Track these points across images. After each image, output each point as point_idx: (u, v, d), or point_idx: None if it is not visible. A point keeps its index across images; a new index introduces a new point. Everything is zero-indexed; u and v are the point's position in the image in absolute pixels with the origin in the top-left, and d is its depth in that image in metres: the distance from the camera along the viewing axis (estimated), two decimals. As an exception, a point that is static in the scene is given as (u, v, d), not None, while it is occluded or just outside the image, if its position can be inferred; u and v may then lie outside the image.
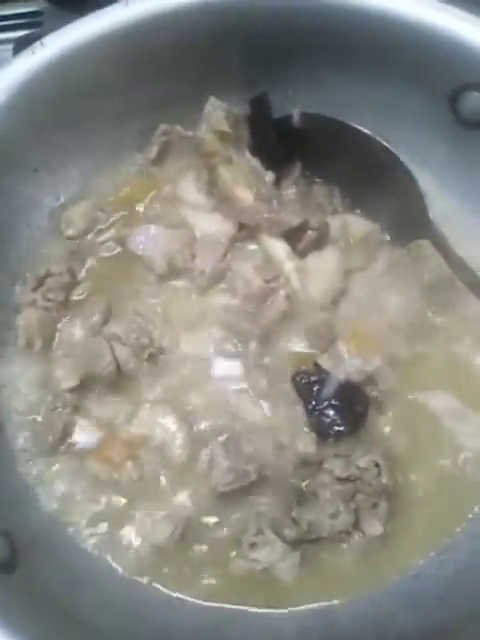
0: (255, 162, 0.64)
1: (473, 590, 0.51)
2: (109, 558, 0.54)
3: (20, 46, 0.84)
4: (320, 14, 0.62)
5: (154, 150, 0.68)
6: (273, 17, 0.62)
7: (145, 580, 0.53)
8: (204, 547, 0.54)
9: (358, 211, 0.66)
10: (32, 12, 0.94)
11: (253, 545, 0.52)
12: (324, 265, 0.62)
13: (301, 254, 0.63)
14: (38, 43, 0.59)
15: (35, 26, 0.93)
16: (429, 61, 0.61)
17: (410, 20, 0.60)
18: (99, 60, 0.61)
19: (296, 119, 0.64)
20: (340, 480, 0.53)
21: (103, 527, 0.55)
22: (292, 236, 0.63)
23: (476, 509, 0.56)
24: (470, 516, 0.56)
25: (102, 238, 0.66)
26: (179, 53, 0.63)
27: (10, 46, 0.87)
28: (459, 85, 0.61)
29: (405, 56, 0.62)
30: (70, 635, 0.45)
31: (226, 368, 0.60)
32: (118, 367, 0.59)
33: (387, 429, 0.58)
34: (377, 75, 0.64)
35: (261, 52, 0.64)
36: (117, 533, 0.55)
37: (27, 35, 0.88)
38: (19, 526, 0.51)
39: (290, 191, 0.66)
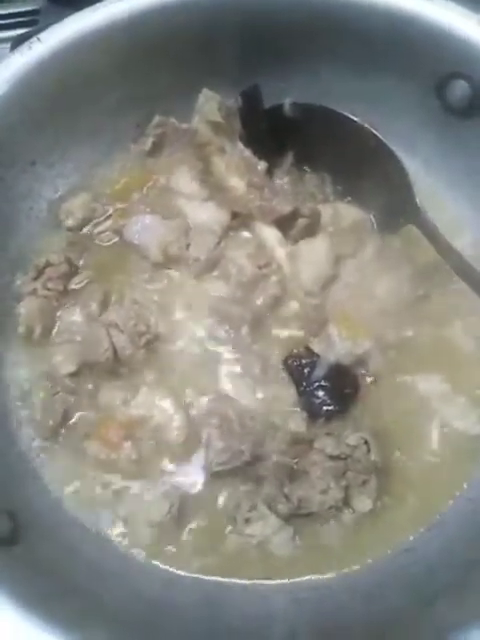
0: (248, 152, 0.66)
1: (456, 563, 0.53)
2: (108, 534, 0.56)
3: (18, 44, 0.86)
4: (310, 7, 0.63)
5: (149, 142, 0.70)
6: (264, 10, 0.64)
7: (143, 555, 0.55)
8: (200, 523, 0.56)
9: (348, 199, 0.68)
10: (29, 11, 0.96)
11: (247, 520, 0.54)
12: (315, 251, 0.64)
13: (293, 241, 0.65)
14: (35, 38, 0.61)
15: (32, 24, 0.94)
16: (416, 51, 0.63)
17: (398, 11, 0.62)
18: (95, 54, 0.63)
19: (287, 109, 0.66)
20: (331, 458, 0.55)
21: (102, 505, 0.56)
22: (284, 224, 0.65)
23: (464, 486, 0.58)
24: (457, 493, 0.57)
25: (100, 229, 0.68)
26: (173, 46, 0.65)
27: (8, 45, 0.89)
28: (446, 74, 0.62)
29: (393, 46, 0.63)
30: (71, 604, 0.47)
31: (220, 353, 0.62)
32: (115, 353, 0.60)
33: (377, 410, 0.59)
34: (366, 65, 0.66)
35: (253, 45, 0.66)
36: (115, 511, 0.56)
37: (25, 33, 0.90)
38: (22, 504, 0.53)
39: (282, 180, 0.67)
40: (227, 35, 0.65)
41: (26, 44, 0.61)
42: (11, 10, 0.96)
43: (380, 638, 0.49)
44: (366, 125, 0.63)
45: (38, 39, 0.61)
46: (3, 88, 0.60)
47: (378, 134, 0.63)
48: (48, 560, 0.50)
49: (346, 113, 0.64)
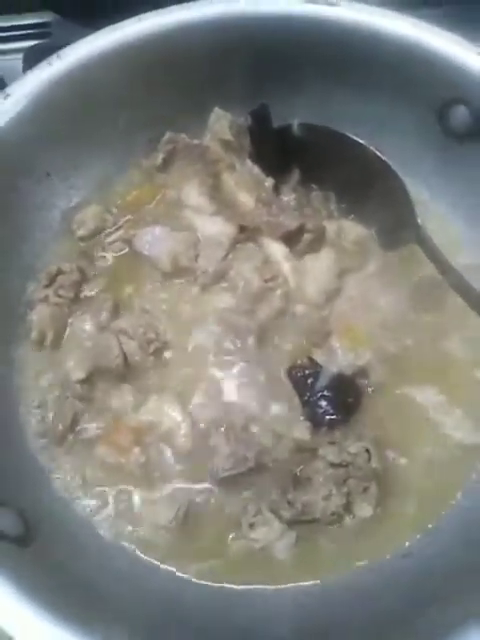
0: (256, 169, 0.68)
1: (452, 568, 0.55)
2: (115, 537, 0.57)
3: (31, 56, 0.89)
4: (319, 32, 0.66)
5: (160, 157, 0.72)
6: (274, 34, 0.67)
7: (149, 558, 0.57)
8: (205, 528, 0.57)
9: (352, 216, 0.70)
10: (41, 23, 0.99)
11: (252, 525, 0.56)
12: (320, 266, 0.66)
13: (298, 255, 0.67)
14: (55, 56, 0.63)
15: (43, 37, 0.97)
16: (419, 78, 0.65)
17: (402, 40, 0.64)
18: (111, 72, 0.65)
19: (295, 129, 0.68)
20: (333, 466, 0.57)
21: (110, 508, 0.58)
22: (290, 238, 0.67)
23: (458, 496, 0.60)
24: (453, 502, 0.60)
25: (111, 239, 0.70)
26: (187, 66, 0.67)
27: (19, 56, 0.91)
28: (447, 100, 0.65)
29: (397, 72, 0.66)
30: (82, 604, 0.48)
31: (226, 362, 0.64)
32: (125, 360, 0.62)
33: (377, 419, 0.61)
34: (372, 90, 0.68)
35: (263, 67, 0.68)
36: (123, 514, 0.58)
37: (36, 45, 0.92)
38: (33, 505, 0.54)
39: (289, 197, 0.70)
40: (237, 56, 0.68)
41: (46, 61, 0.63)
42: (23, 22, 0.99)
43: (378, 638, 0.51)
44: (370, 147, 0.66)
45: (58, 56, 0.63)
46: (22, 102, 0.62)
47: (382, 155, 0.66)
48: (59, 560, 0.52)
49: (351, 135, 0.67)
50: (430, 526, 0.58)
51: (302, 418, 0.60)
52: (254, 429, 0.60)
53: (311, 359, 0.63)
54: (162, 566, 0.56)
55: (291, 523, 0.56)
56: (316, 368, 0.62)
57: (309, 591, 0.56)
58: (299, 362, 0.63)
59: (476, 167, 0.67)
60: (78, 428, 0.61)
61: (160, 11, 0.66)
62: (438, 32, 0.64)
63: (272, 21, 0.66)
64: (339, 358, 0.62)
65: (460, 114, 0.66)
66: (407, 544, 0.58)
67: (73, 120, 0.66)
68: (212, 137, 0.68)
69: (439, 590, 0.53)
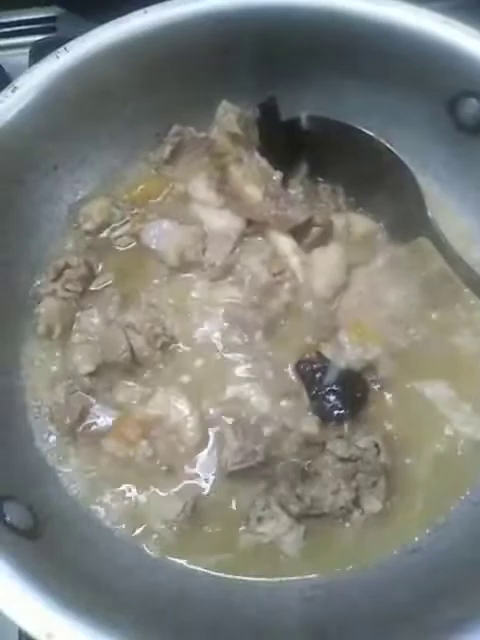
0: (264, 162, 0.68)
1: (461, 563, 0.54)
2: (123, 531, 0.57)
3: (38, 50, 0.88)
4: (328, 24, 0.65)
5: (167, 150, 0.72)
6: (282, 26, 0.66)
7: (157, 552, 0.57)
8: (214, 522, 0.57)
9: (361, 210, 0.70)
10: (47, 17, 0.98)
11: (260, 519, 0.56)
12: (328, 260, 0.66)
13: (306, 249, 0.67)
14: (62, 48, 0.63)
15: (50, 31, 0.96)
16: (430, 69, 0.65)
17: (413, 31, 0.64)
18: (119, 65, 0.65)
19: (304, 122, 0.68)
20: (341, 460, 0.57)
21: (118, 502, 0.58)
22: (298, 232, 0.66)
23: (468, 491, 0.59)
24: (462, 497, 0.59)
25: (118, 233, 0.69)
26: (194, 59, 0.67)
27: (26, 50, 0.91)
28: (458, 92, 0.65)
29: (408, 64, 0.65)
30: (91, 597, 0.48)
31: (234, 356, 0.63)
32: (133, 354, 0.62)
33: (386, 414, 0.61)
34: (382, 82, 0.68)
35: (271, 59, 0.68)
36: (131, 508, 0.58)
37: (43, 40, 0.92)
38: (41, 500, 0.54)
39: (297, 190, 0.70)
40: (245, 49, 0.68)
41: (53, 54, 0.63)
42: (29, 16, 0.98)
43: (385, 632, 0.51)
44: (380, 139, 0.65)
45: (65, 49, 0.63)
46: (31, 94, 0.62)
47: (392, 148, 0.65)
48: (68, 555, 0.52)
49: (360, 127, 0.66)
50: (439, 521, 0.58)
51: (310, 413, 0.60)
52: (262, 423, 0.59)
53: (319, 354, 0.62)
54: (170, 560, 0.56)
55: (299, 517, 0.56)
56: (324, 363, 0.62)
57: (317, 585, 0.55)
58: (307, 357, 0.62)
59: (486, 161, 0.67)
60: (86, 422, 0.61)
61: (166, 3, 0.65)
62: (451, 23, 0.63)
63: (280, 12, 0.66)
64: (347, 353, 0.62)
65: (471, 107, 0.65)
66: (416, 539, 0.57)
67: (80, 113, 0.66)
68: (219, 130, 0.67)
69: (448, 585, 0.53)
